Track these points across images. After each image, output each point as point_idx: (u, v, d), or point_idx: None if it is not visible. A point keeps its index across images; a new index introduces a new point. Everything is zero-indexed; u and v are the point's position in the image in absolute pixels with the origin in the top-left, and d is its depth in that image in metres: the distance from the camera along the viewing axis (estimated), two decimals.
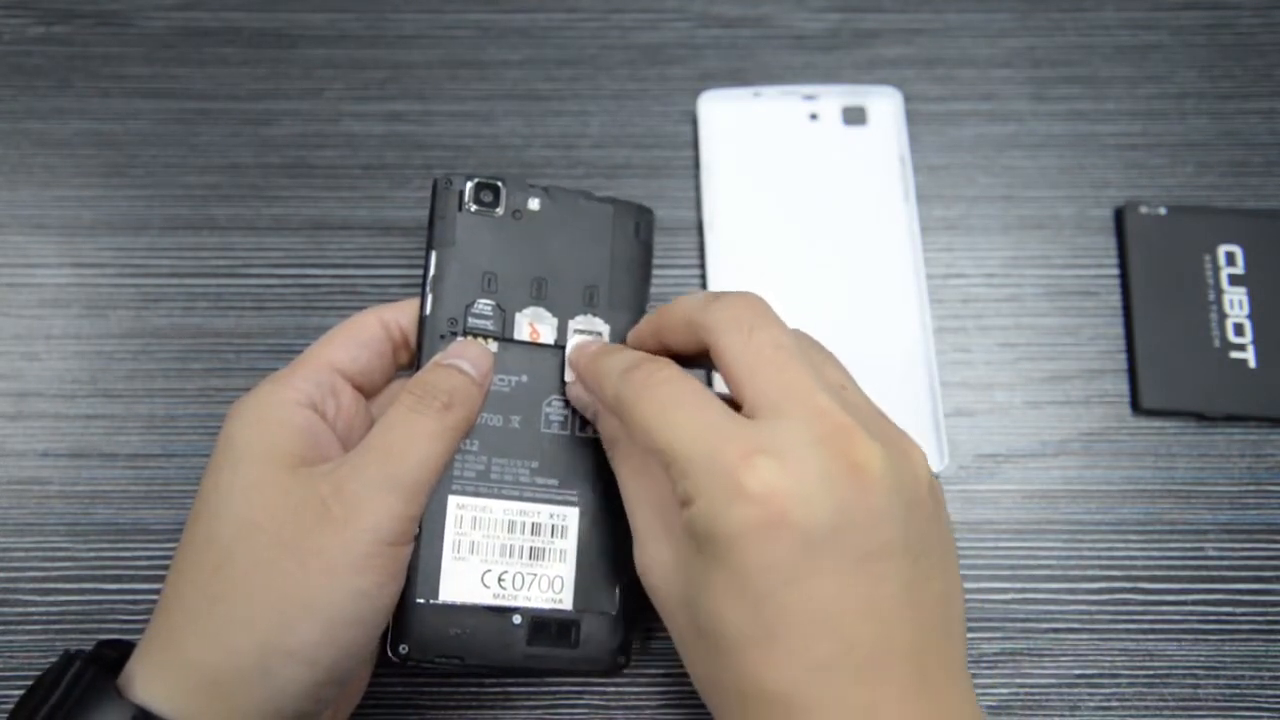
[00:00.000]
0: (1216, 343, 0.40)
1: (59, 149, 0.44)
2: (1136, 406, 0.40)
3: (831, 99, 0.44)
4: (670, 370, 0.30)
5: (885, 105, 0.44)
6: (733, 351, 0.29)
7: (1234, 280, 0.41)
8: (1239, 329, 0.41)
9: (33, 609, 0.37)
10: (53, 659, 0.28)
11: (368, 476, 0.29)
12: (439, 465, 0.31)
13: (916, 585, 0.27)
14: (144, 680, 0.27)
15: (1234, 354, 0.40)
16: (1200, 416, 0.40)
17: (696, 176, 0.43)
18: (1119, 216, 0.43)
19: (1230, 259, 0.41)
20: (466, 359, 0.33)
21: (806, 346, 0.31)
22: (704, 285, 0.41)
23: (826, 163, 0.43)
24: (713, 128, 0.43)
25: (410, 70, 0.45)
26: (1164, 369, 0.40)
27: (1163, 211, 0.42)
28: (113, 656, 0.28)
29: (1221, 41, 0.46)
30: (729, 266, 0.41)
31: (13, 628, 0.37)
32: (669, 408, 0.29)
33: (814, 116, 0.44)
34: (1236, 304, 0.41)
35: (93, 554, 0.38)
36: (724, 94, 0.44)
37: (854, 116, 0.43)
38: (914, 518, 0.27)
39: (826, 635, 0.26)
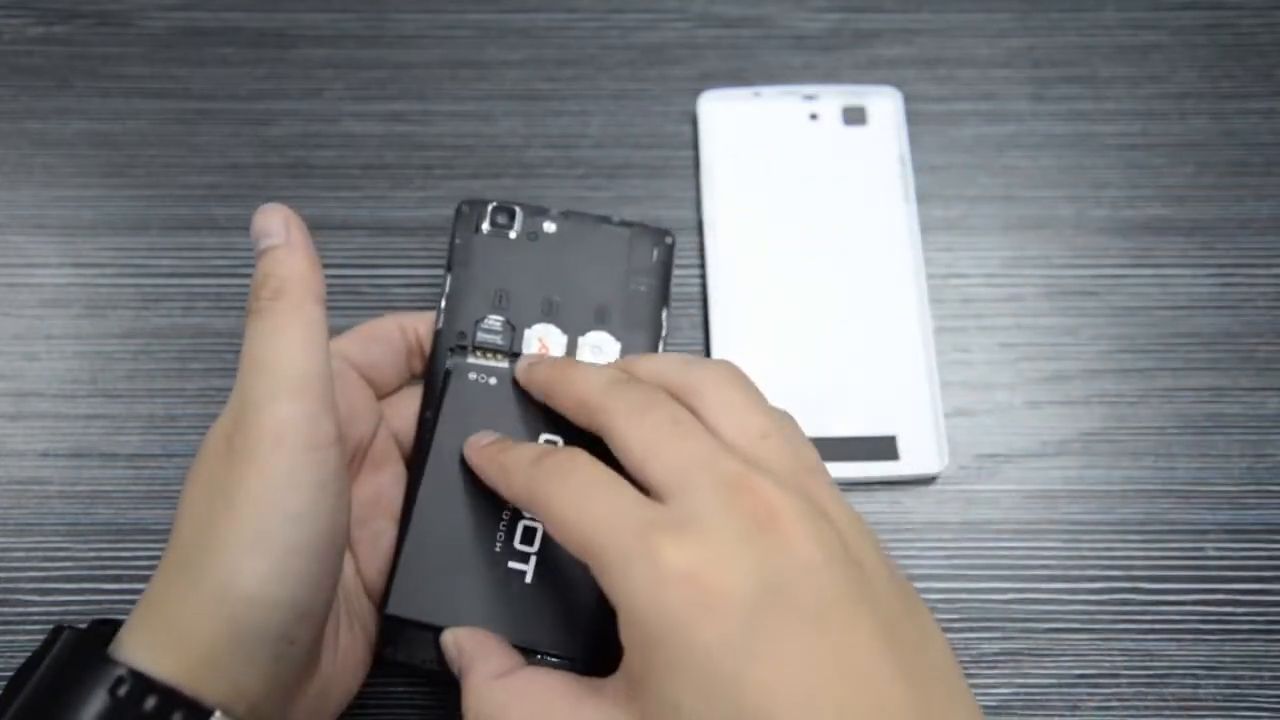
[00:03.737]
0: None
1: (59, 149, 0.44)
2: None
3: (831, 99, 0.44)
4: (579, 458, 0.29)
5: (885, 105, 0.44)
6: (629, 437, 0.28)
7: None
8: None
9: (33, 609, 0.37)
10: None
11: (251, 397, 0.28)
12: (307, 348, 0.28)
13: (886, 631, 0.25)
14: (130, 641, 0.27)
15: None
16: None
17: (696, 176, 0.43)
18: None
19: None
20: (264, 234, 0.30)
21: (722, 401, 0.29)
22: (704, 285, 0.41)
23: (826, 163, 0.43)
24: (713, 128, 0.43)
25: (410, 70, 0.45)
26: None
27: None
28: (106, 631, 0.28)
29: (1221, 41, 0.46)
30: (729, 267, 0.41)
31: (13, 628, 0.37)
32: (580, 500, 0.28)
33: (814, 116, 0.44)
34: None
35: (93, 554, 0.38)
36: (724, 94, 0.44)
37: (854, 116, 0.43)
38: (852, 567, 0.26)
39: (815, 699, 0.24)
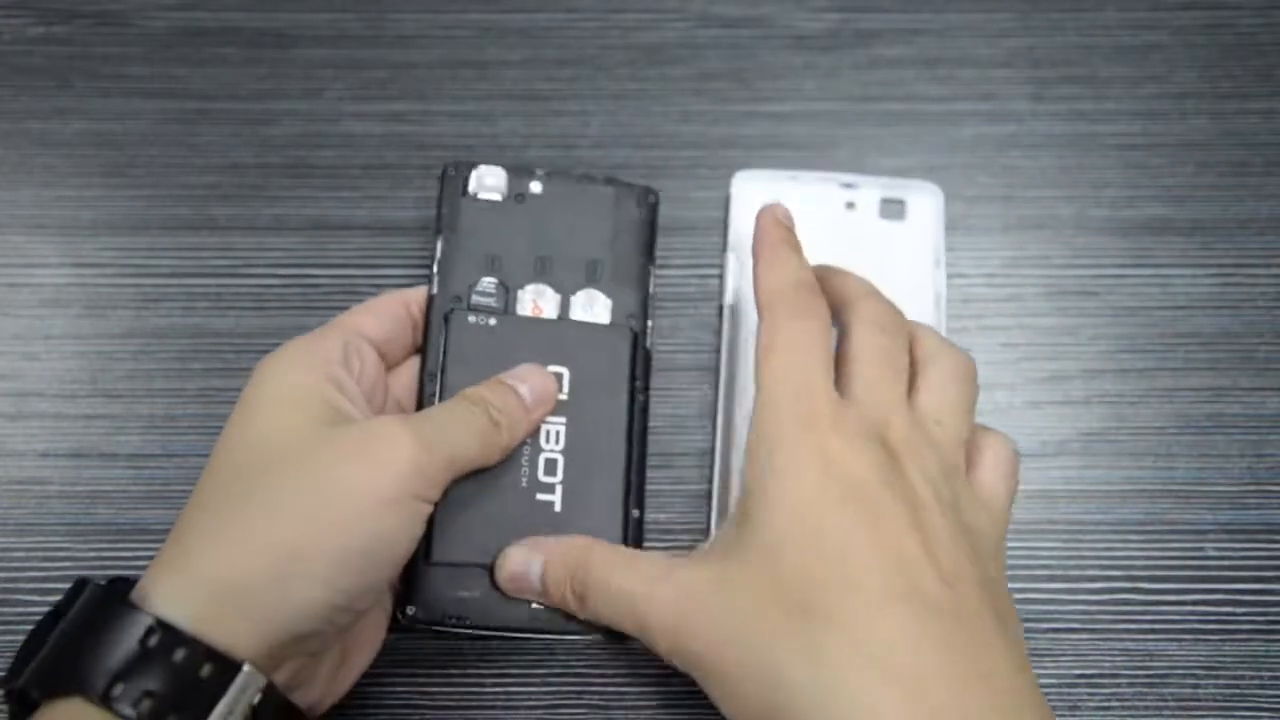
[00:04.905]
0: None
1: (59, 149, 0.44)
2: None
3: (870, 189, 0.42)
4: (813, 326, 0.33)
5: (925, 201, 0.42)
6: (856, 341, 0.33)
7: None
8: None
9: (33, 609, 0.37)
10: None
11: (404, 428, 0.30)
12: (470, 459, 0.32)
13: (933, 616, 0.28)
14: (159, 593, 0.27)
15: None
16: None
17: (722, 255, 0.42)
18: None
19: None
20: (525, 382, 0.34)
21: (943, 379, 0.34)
22: (718, 370, 0.40)
23: (859, 254, 0.39)
24: (745, 207, 0.42)
25: (410, 70, 0.45)
26: None
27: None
28: (126, 588, 0.29)
29: (1221, 41, 0.46)
30: (751, 350, 0.39)
31: (13, 628, 0.37)
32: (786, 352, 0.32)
33: (850, 205, 0.42)
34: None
35: (93, 554, 0.38)
36: (759, 174, 0.42)
37: (891, 210, 0.42)
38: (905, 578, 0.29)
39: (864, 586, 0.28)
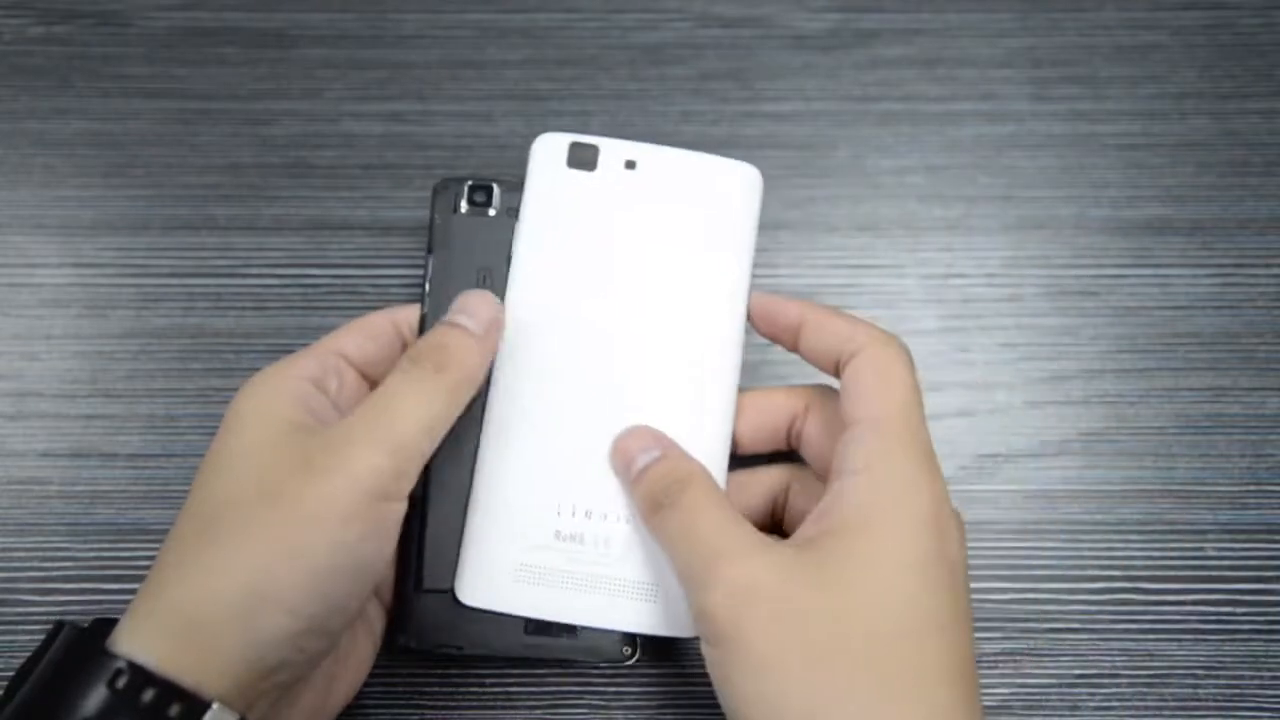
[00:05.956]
0: None
1: (59, 149, 0.44)
2: None
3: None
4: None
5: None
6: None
7: None
8: None
9: (33, 609, 0.37)
10: None
11: (353, 432, 0.29)
12: (431, 425, 0.30)
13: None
14: (129, 633, 0.27)
15: None
16: None
17: None
18: None
19: None
20: (466, 312, 0.32)
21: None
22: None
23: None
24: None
25: (410, 70, 0.45)
26: None
27: None
28: (105, 629, 0.28)
29: (1221, 41, 0.46)
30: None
31: (13, 628, 0.37)
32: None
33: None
34: None
35: (93, 554, 0.38)
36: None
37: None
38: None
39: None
